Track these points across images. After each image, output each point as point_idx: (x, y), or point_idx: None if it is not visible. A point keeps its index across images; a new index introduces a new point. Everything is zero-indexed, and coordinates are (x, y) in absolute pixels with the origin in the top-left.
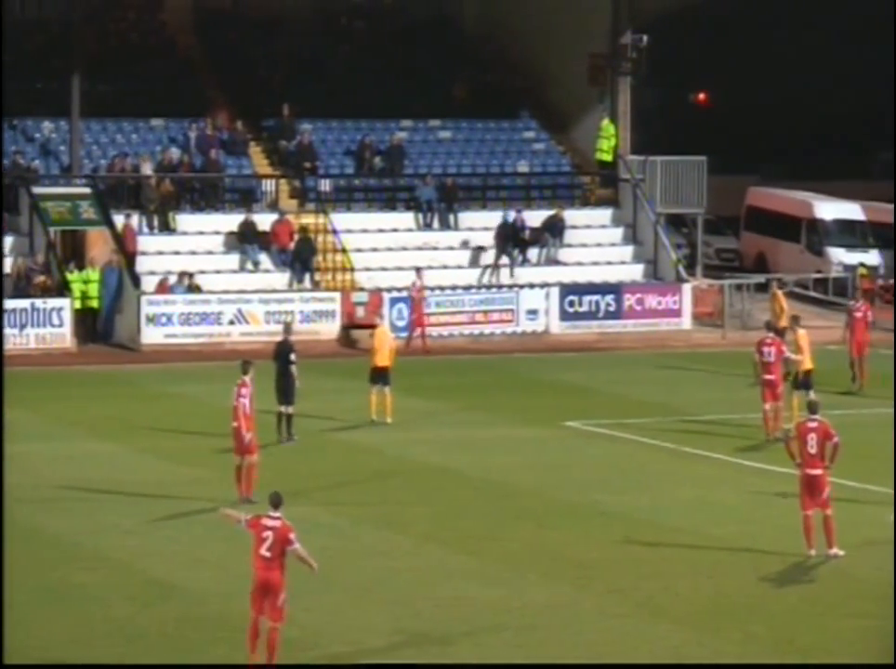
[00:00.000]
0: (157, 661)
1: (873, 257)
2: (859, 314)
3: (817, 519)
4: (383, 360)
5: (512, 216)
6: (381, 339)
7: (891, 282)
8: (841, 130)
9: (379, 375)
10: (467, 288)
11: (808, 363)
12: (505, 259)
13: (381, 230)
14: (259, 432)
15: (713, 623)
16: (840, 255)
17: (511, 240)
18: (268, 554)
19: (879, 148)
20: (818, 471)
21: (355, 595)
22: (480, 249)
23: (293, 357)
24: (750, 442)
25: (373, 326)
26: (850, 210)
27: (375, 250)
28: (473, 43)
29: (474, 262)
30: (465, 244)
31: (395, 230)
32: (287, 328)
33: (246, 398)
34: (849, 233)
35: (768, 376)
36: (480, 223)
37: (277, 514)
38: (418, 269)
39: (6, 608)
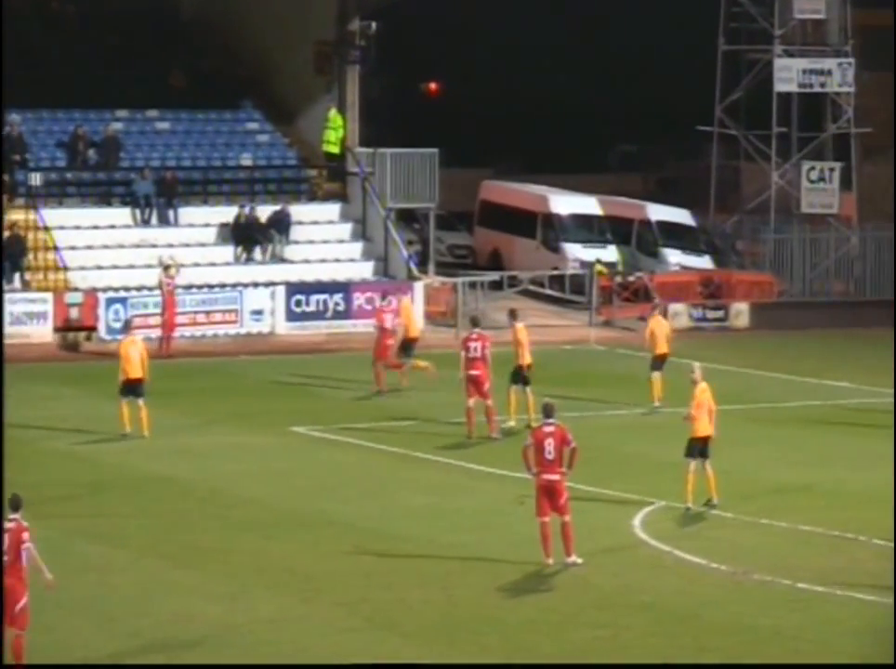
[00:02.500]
0: None
1: (610, 253)
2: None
3: (554, 526)
4: (136, 371)
5: (274, 208)
6: (132, 349)
7: (630, 278)
8: (577, 122)
9: (131, 388)
10: (188, 287)
11: (526, 358)
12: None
13: (96, 227)
14: None
15: (446, 635)
16: (577, 252)
17: (282, 228)
18: (5, 558)
19: (616, 140)
20: (555, 477)
21: (71, 612)
22: None
23: None
24: (484, 446)
25: (90, 328)
26: (587, 204)
27: (89, 248)
28: (191, 29)
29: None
30: None
31: (111, 227)
32: None
33: None
34: (586, 228)
35: (473, 372)
36: (202, 219)
37: (14, 516)
38: (167, 267)
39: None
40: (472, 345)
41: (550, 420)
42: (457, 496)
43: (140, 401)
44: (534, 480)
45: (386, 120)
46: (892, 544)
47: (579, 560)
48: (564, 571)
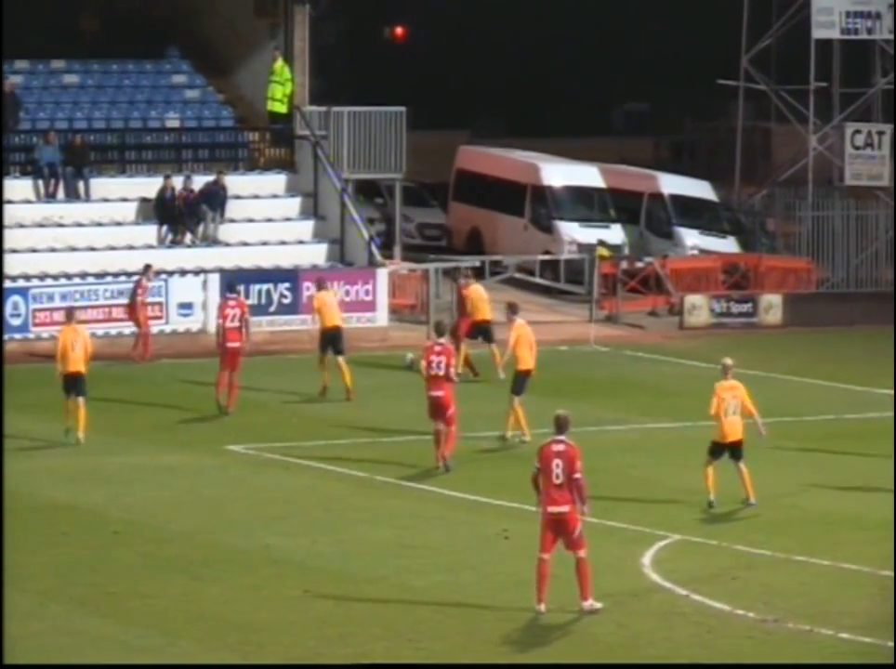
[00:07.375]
0: None
1: (615, 234)
2: None
3: (563, 566)
4: (76, 364)
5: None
6: (74, 338)
7: (638, 265)
8: (573, 75)
9: (72, 383)
10: (101, 276)
11: (527, 362)
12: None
13: None
14: None
15: None
16: (574, 232)
17: (215, 204)
18: None
19: (622, 97)
20: (565, 508)
21: None
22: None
23: None
24: (460, 469)
25: None
26: (587, 174)
27: None
28: None
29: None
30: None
31: (8, 202)
32: None
33: None
34: (585, 204)
35: (435, 393)
36: (118, 192)
37: None
38: (147, 267)
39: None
40: (435, 360)
41: (561, 437)
42: (428, 529)
43: (80, 400)
44: (540, 513)
45: (342, 72)
46: None
47: (598, 605)
48: (559, 621)
